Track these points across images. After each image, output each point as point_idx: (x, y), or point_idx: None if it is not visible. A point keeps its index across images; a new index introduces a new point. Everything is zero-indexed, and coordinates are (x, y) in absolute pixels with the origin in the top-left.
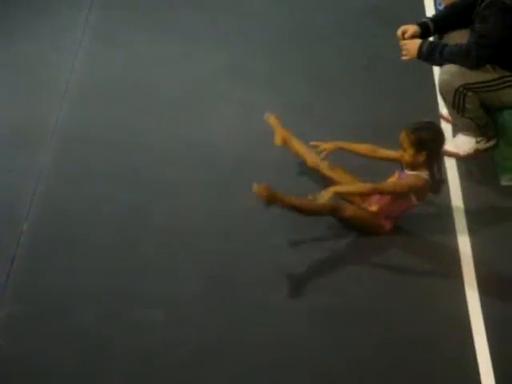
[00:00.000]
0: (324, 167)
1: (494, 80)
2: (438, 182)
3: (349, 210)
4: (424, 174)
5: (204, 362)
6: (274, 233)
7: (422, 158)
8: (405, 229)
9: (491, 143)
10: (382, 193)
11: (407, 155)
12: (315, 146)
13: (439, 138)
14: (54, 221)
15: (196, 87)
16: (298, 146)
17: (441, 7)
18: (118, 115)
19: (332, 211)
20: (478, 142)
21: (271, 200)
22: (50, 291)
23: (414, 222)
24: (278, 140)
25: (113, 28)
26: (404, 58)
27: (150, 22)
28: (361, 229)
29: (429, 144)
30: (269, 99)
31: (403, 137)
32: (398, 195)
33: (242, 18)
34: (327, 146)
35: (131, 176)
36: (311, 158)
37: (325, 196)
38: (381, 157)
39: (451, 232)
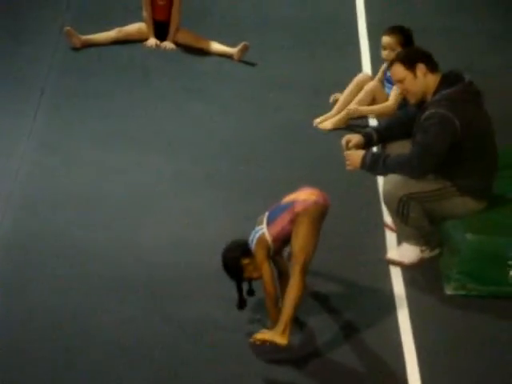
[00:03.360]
0: None
1: (436, 190)
2: (242, 300)
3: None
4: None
5: None
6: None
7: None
8: (347, 336)
9: (435, 252)
10: (266, 284)
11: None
12: None
13: (228, 260)
14: None
15: (141, 195)
16: None
17: None
18: (62, 223)
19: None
20: (422, 251)
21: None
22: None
23: (357, 331)
24: None
25: (58, 136)
26: (348, 168)
27: (96, 130)
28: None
29: (229, 270)
30: (212, 206)
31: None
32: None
33: (185, 124)
34: None
35: (73, 283)
36: None
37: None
38: None
39: (397, 341)
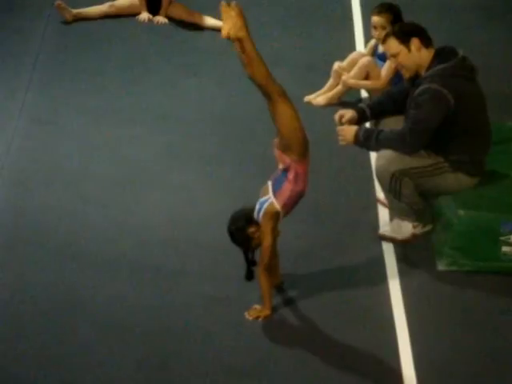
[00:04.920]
0: None
1: (428, 166)
2: (250, 271)
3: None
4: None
5: None
6: (212, 322)
7: (253, 232)
8: (338, 312)
9: (427, 228)
10: (263, 258)
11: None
12: None
13: (234, 230)
14: None
15: (133, 170)
16: None
17: None
18: (54, 198)
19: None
20: (414, 227)
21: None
22: None
23: (349, 307)
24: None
25: (49, 111)
26: (341, 143)
27: (88, 105)
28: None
29: (236, 240)
30: (204, 181)
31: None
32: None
33: (177, 100)
34: None
35: (65, 259)
36: None
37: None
38: None
39: (389, 317)
